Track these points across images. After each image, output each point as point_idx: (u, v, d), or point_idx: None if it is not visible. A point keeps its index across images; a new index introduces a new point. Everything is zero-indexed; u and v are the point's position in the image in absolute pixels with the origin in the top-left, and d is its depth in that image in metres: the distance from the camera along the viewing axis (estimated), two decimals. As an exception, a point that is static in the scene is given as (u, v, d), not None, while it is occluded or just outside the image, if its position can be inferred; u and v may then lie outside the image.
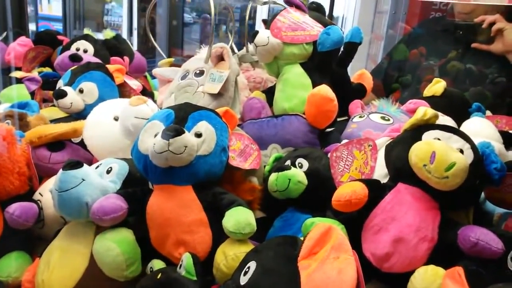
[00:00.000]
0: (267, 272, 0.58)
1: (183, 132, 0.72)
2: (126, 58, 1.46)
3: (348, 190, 0.72)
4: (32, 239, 0.92)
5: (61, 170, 0.75)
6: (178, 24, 4.92)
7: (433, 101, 1.08)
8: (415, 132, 0.76)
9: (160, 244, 0.78)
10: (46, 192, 0.88)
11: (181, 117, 0.78)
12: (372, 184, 0.75)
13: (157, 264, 0.77)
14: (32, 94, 1.32)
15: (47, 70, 1.59)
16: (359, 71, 1.32)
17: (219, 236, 0.75)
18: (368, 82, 1.29)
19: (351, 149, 0.88)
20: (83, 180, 0.75)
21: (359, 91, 1.26)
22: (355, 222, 0.76)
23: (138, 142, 0.78)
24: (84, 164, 0.77)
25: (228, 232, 0.71)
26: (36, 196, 0.91)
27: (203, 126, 0.77)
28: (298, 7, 1.13)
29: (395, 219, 0.71)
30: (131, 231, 0.77)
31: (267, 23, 1.16)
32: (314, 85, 1.07)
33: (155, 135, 0.75)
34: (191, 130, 0.76)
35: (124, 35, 4.12)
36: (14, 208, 0.81)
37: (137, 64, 1.55)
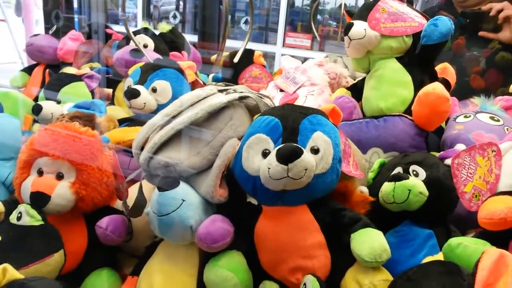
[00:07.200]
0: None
1: (302, 153, 0.62)
2: (185, 53, 1.38)
3: (501, 207, 0.62)
4: (116, 253, 0.85)
5: (157, 191, 0.68)
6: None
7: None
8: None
9: (273, 269, 0.70)
10: (131, 202, 0.80)
11: (290, 129, 0.66)
12: (523, 199, 0.65)
13: (269, 286, 0.70)
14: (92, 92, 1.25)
15: (96, 65, 1.51)
16: (441, 64, 1.21)
17: (336, 256, 0.68)
18: (452, 77, 1.18)
19: (474, 155, 0.78)
20: (183, 200, 0.68)
21: (445, 87, 1.15)
22: (497, 240, 0.66)
23: (242, 160, 0.68)
24: (180, 182, 0.69)
25: (362, 260, 0.62)
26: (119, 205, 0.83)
27: (319, 139, 0.65)
28: (396, -5, 1.00)
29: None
30: (241, 254, 0.70)
31: (352, 14, 1.05)
32: (414, 82, 0.97)
33: (264, 154, 0.65)
34: (307, 145, 0.65)
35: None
36: (107, 223, 0.74)
37: (193, 59, 1.47)
